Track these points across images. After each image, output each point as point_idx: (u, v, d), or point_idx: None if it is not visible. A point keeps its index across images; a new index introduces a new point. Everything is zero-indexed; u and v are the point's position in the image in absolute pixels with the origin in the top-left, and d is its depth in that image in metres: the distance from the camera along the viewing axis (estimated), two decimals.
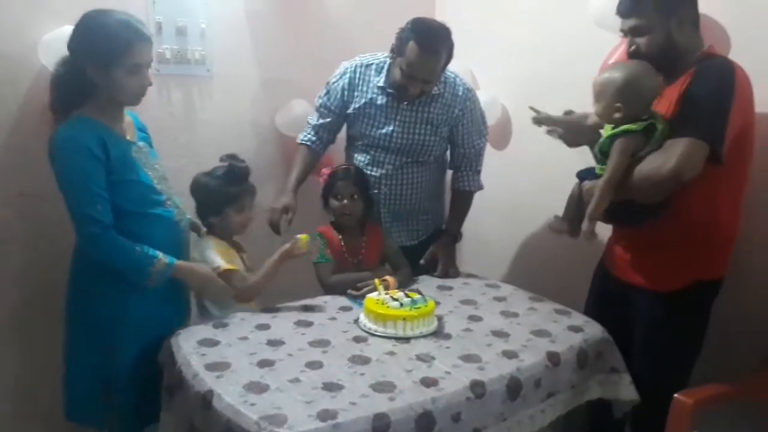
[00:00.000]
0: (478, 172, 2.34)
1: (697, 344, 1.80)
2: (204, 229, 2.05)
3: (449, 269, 2.29)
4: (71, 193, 1.67)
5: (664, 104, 1.67)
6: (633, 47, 1.71)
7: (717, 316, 1.79)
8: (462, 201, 2.35)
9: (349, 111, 2.24)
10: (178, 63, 2.30)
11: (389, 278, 2.01)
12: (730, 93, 1.57)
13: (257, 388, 1.43)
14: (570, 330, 1.81)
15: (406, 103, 2.16)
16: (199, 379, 1.48)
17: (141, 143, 1.85)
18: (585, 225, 1.69)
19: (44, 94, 2.00)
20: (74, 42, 1.69)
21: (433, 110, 2.19)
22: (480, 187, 2.35)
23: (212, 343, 1.67)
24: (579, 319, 1.89)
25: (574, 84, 1.98)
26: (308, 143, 2.31)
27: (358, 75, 2.21)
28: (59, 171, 1.68)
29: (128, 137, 1.81)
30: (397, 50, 2.06)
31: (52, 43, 1.97)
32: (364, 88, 2.20)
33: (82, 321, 1.80)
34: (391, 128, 2.19)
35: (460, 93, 2.20)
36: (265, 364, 1.55)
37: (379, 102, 2.19)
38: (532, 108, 1.86)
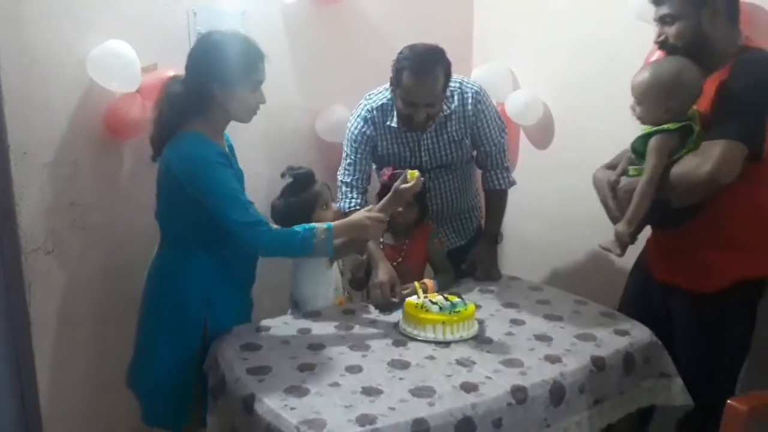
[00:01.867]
0: (507, 168, 2.30)
1: (744, 346, 1.72)
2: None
3: (491, 271, 2.25)
4: (222, 203, 1.68)
5: (702, 101, 1.60)
6: (662, 37, 1.65)
7: (765, 316, 1.71)
8: (496, 201, 2.31)
9: (377, 153, 2.22)
10: None
11: (428, 281, 1.99)
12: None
13: (297, 392, 1.44)
14: (616, 334, 1.75)
15: (421, 133, 2.14)
16: (241, 383, 1.51)
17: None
18: (622, 227, 1.63)
19: (96, 108, 2.10)
20: (199, 62, 1.71)
21: (451, 128, 2.17)
22: (512, 183, 2.30)
23: (255, 347, 1.69)
24: (625, 322, 1.83)
25: (617, 80, 1.91)
26: (357, 207, 2.16)
27: (376, 120, 2.17)
28: (203, 187, 1.67)
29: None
30: (395, 82, 2.04)
31: (99, 57, 2.04)
32: (383, 131, 2.18)
33: (169, 321, 1.78)
34: (418, 160, 2.20)
35: (470, 100, 2.16)
36: (305, 368, 1.56)
37: (399, 141, 2.19)
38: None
